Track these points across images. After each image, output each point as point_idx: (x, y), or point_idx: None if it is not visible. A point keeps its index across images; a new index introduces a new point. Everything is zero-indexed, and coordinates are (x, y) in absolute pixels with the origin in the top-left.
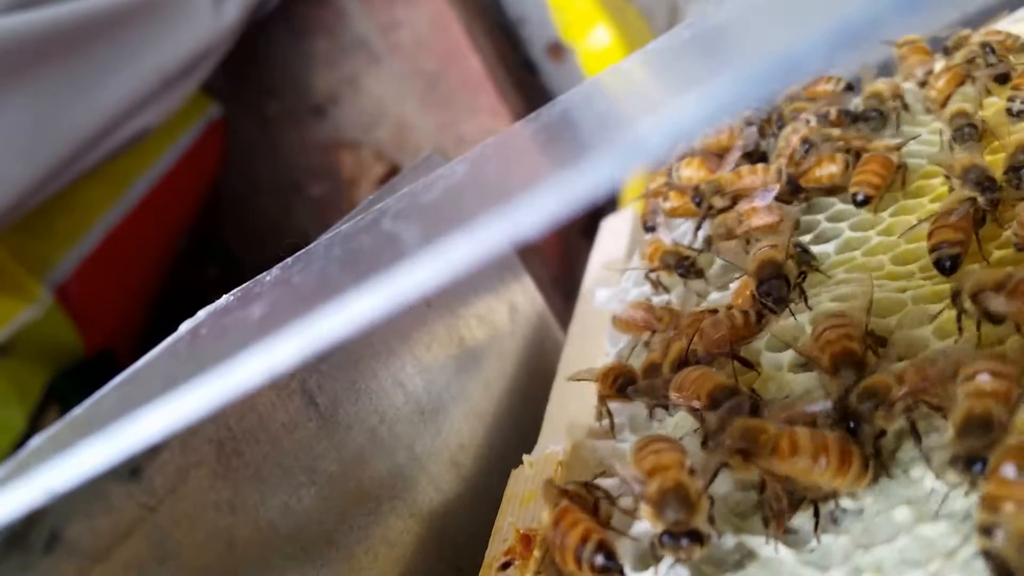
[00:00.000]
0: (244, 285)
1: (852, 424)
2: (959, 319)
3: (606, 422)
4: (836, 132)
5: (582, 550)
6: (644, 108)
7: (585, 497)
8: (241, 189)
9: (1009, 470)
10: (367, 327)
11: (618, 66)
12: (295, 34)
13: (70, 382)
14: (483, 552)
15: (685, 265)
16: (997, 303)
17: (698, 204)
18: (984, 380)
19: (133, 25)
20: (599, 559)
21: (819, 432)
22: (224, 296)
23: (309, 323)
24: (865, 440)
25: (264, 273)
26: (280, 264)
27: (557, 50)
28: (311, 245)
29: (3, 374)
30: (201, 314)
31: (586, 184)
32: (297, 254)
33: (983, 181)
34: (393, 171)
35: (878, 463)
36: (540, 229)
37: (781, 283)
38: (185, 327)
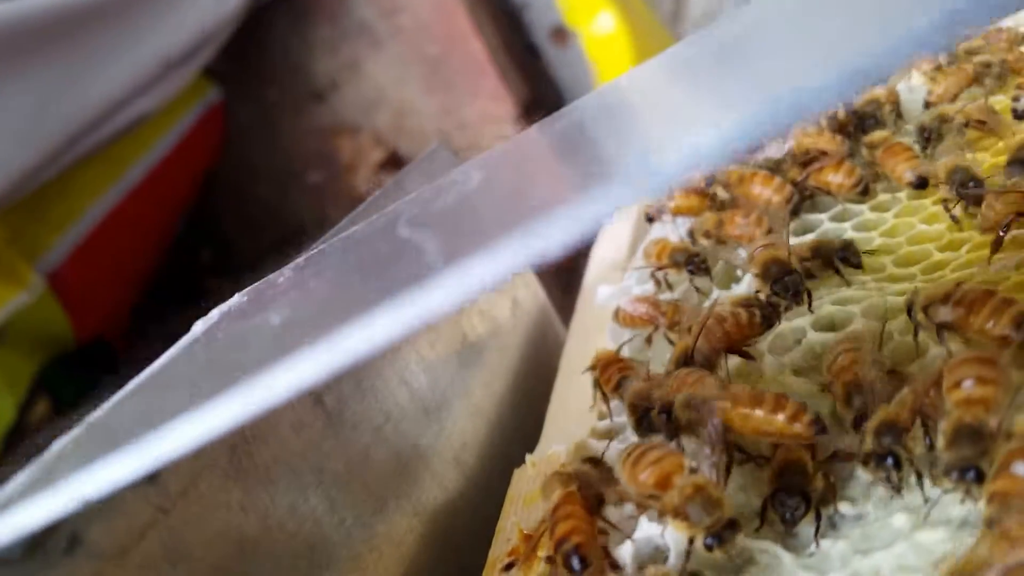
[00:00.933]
0: (255, 285)
1: (893, 461)
2: (915, 334)
3: (607, 423)
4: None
5: (562, 544)
6: (663, 122)
7: (593, 483)
8: (238, 175)
9: (1021, 467)
10: (391, 345)
11: (637, 72)
12: (296, 19)
13: (60, 372)
14: (486, 551)
15: (695, 262)
16: (943, 313)
17: (707, 187)
18: (970, 387)
19: (134, 9)
20: (574, 560)
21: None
22: (236, 295)
23: (334, 343)
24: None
25: (276, 274)
26: (292, 265)
27: (561, 35)
28: (323, 246)
29: None
30: (215, 314)
31: (609, 207)
32: (309, 254)
33: (968, 181)
34: (392, 156)
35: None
36: (565, 250)
37: (795, 276)
38: (200, 327)
